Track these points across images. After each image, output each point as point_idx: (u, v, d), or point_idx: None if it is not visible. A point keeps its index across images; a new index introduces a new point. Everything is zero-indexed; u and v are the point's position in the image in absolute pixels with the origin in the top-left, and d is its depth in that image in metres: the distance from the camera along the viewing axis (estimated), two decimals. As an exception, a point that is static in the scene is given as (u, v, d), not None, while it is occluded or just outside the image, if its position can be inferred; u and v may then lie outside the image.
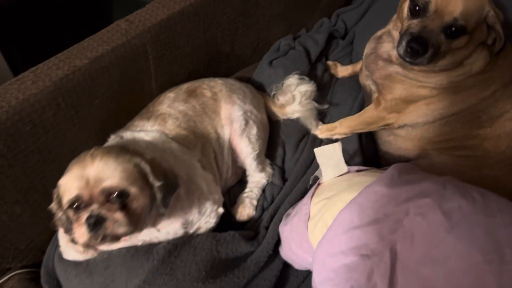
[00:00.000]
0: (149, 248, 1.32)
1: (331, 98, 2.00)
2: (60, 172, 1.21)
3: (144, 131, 1.49)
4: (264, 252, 1.41)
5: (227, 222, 1.57)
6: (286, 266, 1.47)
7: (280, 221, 1.48)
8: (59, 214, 1.22)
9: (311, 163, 1.73)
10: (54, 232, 1.51)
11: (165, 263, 1.28)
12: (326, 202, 1.24)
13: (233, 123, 1.63)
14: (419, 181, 1.15)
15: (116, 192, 1.16)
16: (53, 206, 1.23)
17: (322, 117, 1.92)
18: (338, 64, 2.10)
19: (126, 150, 1.25)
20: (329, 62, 2.11)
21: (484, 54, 1.49)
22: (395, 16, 1.60)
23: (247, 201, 1.62)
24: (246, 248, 1.39)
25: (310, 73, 1.99)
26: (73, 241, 1.21)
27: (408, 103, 1.59)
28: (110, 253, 1.34)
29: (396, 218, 1.06)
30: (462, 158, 1.55)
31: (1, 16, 2.07)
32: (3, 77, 1.84)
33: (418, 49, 1.38)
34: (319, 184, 1.37)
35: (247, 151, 1.64)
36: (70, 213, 1.17)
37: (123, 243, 1.34)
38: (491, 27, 1.43)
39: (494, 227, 0.99)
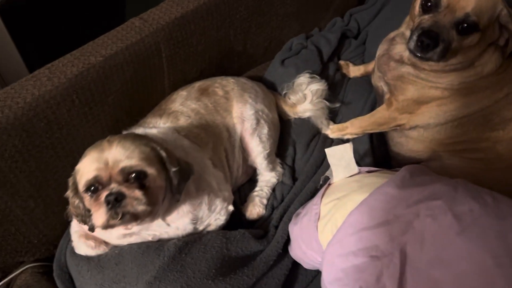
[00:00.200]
0: (160, 244, 1.33)
1: (342, 98, 1.99)
2: (73, 167, 1.23)
3: (157, 128, 1.50)
4: (274, 251, 1.41)
5: (237, 220, 1.58)
6: (295, 265, 1.47)
7: (289, 220, 1.48)
8: (75, 201, 1.22)
9: (322, 163, 1.73)
10: (66, 227, 1.53)
11: (175, 260, 1.29)
12: (336, 202, 1.24)
13: (244, 122, 1.63)
14: (430, 183, 1.15)
15: (134, 173, 1.17)
16: (69, 193, 1.24)
17: (333, 116, 1.92)
18: (350, 64, 2.10)
19: (142, 136, 1.28)
20: (341, 62, 2.11)
21: (496, 55, 1.47)
22: (408, 18, 1.60)
23: (257, 199, 1.63)
24: (256, 246, 1.40)
25: (322, 73, 1.99)
26: (90, 229, 1.23)
27: (420, 104, 1.58)
28: (121, 249, 1.35)
29: (407, 220, 1.06)
30: (473, 160, 1.55)
31: (17, 13, 2.09)
32: (19, 73, 1.86)
33: (428, 43, 1.36)
34: (329, 184, 1.37)
35: (258, 150, 1.65)
36: (87, 198, 1.18)
37: (135, 237, 1.36)
38: (503, 27, 1.41)
39: (506, 231, 0.99)
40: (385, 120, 1.68)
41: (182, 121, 1.54)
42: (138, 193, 1.15)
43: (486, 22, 1.36)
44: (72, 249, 1.42)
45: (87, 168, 1.17)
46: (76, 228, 1.42)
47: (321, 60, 2.03)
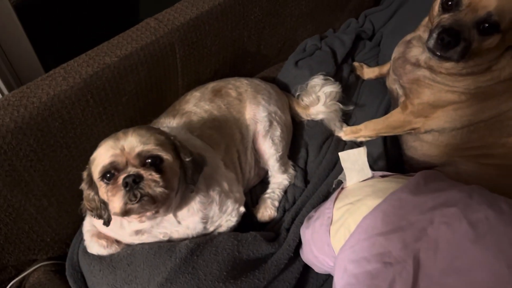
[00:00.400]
0: (171, 246, 1.33)
1: (356, 100, 1.98)
2: (85, 169, 1.25)
3: (170, 128, 1.51)
4: (285, 254, 1.41)
5: (248, 222, 1.58)
6: (306, 268, 1.47)
7: (301, 223, 1.48)
8: (90, 194, 1.23)
9: (334, 166, 1.72)
10: (79, 226, 1.54)
11: (187, 261, 1.29)
12: (349, 207, 1.23)
13: (257, 124, 1.63)
14: (445, 190, 1.13)
15: (151, 158, 1.17)
16: (83, 186, 1.24)
17: (347, 119, 1.91)
18: (365, 66, 2.08)
19: (155, 127, 1.30)
20: (355, 63, 2.10)
21: (515, 60, 1.45)
22: (425, 21, 1.58)
23: (268, 202, 1.62)
24: (267, 249, 1.40)
25: (336, 74, 1.98)
26: (105, 222, 1.24)
27: (435, 108, 1.56)
28: (133, 249, 1.36)
29: (421, 226, 1.05)
30: (489, 166, 1.53)
31: (33, 12, 2.11)
32: (35, 72, 1.87)
33: (449, 41, 1.33)
34: (342, 188, 1.36)
35: (270, 152, 1.64)
36: (103, 186, 1.18)
37: (146, 236, 1.36)
38: None
39: (522, 239, 0.98)
40: (400, 124, 1.66)
41: (195, 122, 1.54)
42: (155, 175, 1.15)
43: (507, 23, 1.33)
44: (85, 249, 1.43)
45: (103, 155, 1.17)
46: (88, 227, 1.43)
47: (335, 62, 2.01)
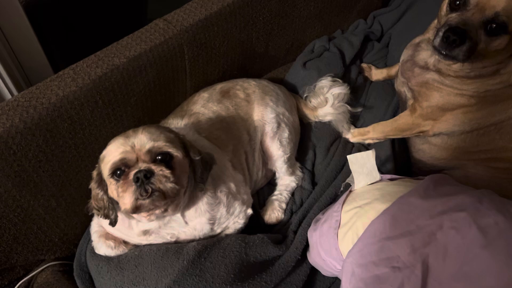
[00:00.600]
0: (179, 247, 1.34)
1: (364, 101, 1.97)
2: (94, 168, 1.25)
3: (178, 128, 1.51)
4: (292, 257, 1.41)
5: (255, 223, 1.58)
6: (313, 271, 1.47)
7: (308, 225, 1.47)
8: (99, 193, 1.23)
9: (342, 168, 1.71)
10: (86, 226, 1.55)
11: (194, 264, 1.29)
12: (357, 210, 1.23)
13: (265, 125, 1.63)
14: (455, 194, 1.13)
15: (161, 154, 1.18)
16: (92, 185, 1.25)
17: (355, 120, 1.90)
18: (373, 67, 2.07)
19: (165, 126, 1.31)
20: (364, 65, 2.09)
21: (524, 64, 1.44)
22: (434, 23, 1.57)
23: (276, 204, 1.62)
24: (274, 252, 1.40)
25: (344, 76, 1.98)
26: (111, 223, 1.24)
27: (444, 111, 1.55)
28: (140, 250, 1.36)
29: (430, 231, 1.05)
30: (499, 170, 1.52)
31: (42, 12, 2.12)
32: (44, 73, 1.88)
33: (455, 39, 1.32)
34: (350, 191, 1.35)
35: (278, 154, 1.64)
36: (112, 183, 1.18)
37: (154, 236, 1.37)
38: None
39: (532, 245, 0.97)
40: (408, 126, 1.65)
41: (203, 123, 1.54)
42: (166, 171, 1.15)
43: None
44: (92, 249, 1.43)
45: (114, 152, 1.18)
46: (96, 228, 1.44)
47: (343, 63, 2.01)
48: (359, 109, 1.91)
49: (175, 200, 1.23)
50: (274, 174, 1.73)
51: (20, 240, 1.44)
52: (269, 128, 1.63)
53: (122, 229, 1.37)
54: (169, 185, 1.15)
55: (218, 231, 1.45)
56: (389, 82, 2.03)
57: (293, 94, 1.90)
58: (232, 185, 1.45)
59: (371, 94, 2.00)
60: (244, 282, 1.31)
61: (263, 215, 1.61)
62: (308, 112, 1.85)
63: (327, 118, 1.84)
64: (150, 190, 1.13)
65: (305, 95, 1.88)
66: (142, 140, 1.17)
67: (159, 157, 1.18)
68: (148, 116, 1.60)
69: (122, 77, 1.42)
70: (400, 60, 1.71)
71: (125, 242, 1.42)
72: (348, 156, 1.33)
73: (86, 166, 1.47)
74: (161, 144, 1.18)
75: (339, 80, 1.86)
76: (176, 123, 1.54)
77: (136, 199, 1.14)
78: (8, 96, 1.73)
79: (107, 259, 1.39)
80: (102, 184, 1.22)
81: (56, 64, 1.94)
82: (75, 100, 1.33)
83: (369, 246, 1.10)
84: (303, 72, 1.96)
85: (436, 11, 1.51)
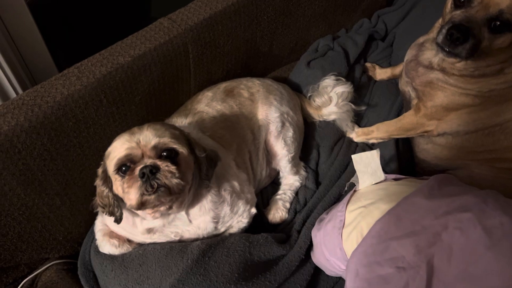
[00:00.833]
0: (183, 246, 1.34)
1: (368, 101, 1.97)
2: (99, 166, 1.25)
3: (182, 127, 1.51)
4: (296, 257, 1.40)
5: (259, 222, 1.58)
6: (317, 270, 1.46)
7: (312, 225, 1.47)
8: (104, 191, 1.23)
9: (346, 168, 1.71)
10: (91, 225, 1.55)
11: (199, 263, 1.29)
12: (362, 210, 1.22)
13: (269, 124, 1.63)
14: (460, 194, 1.12)
15: (167, 150, 1.18)
16: (98, 182, 1.25)
17: (359, 120, 1.90)
18: (377, 66, 2.07)
19: (170, 124, 1.31)
20: (368, 64, 2.09)
21: (529, 64, 1.44)
22: (438, 23, 1.56)
23: (280, 203, 1.62)
24: (278, 251, 1.40)
25: (348, 75, 1.97)
26: (116, 220, 1.24)
27: (449, 110, 1.55)
28: (145, 249, 1.36)
29: (435, 231, 1.04)
30: (503, 170, 1.51)
31: (47, 11, 2.12)
32: (49, 71, 1.88)
33: (458, 37, 1.31)
34: (355, 191, 1.35)
35: (282, 153, 1.64)
36: (118, 179, 1.18)
37: (158, 235, 1.37)
38: None
39: (537, 246, 0.96)
40: (413, 126, 1.65)
41: (207, 122, 1.54)
42: (172, 166, 1.16)
43: None
44: (96, 248, 1.43)
45: (119, 149, 1.18)
46: (100, 226, 1.44)
47: (347, 62, 2.01)
48: (363, 108, 1.90)
49: (180, 196, 1.23)
50: (278, 173, 1.73)
51: (25, 239, 1.45)
52: (274, 127, 1.63)
53: (126, 227, 1.37)
54: (175, 180, 1.15)
55: (222, 230, 1.45)
56: (393, 81, 2.03)
57: (297, 93, 1.90)
58: (236, 184, 1.45)
59: (375, 94, 1.99)
60: (248, 281, 1.31)
61: (267, 215, 1.61)
62: (312, 111, 1.85)
63: (331, 117, 1.84)
64: (155, 185, 1.14)
65: (309, 94, 1.87)
66: (148, 136, 1.17)
67: (165, 153, 1.18)
68: (152, 115, 1.60)
69: (127, 76, 1.42)
70: (404, 60, 1.71)
71: (129, 241, 1.42)
72: (352, 156, 1.33)
73: (90, 164, 1.47)
74: (167, 140, 1.18)
75: (343, 79, 1.86)
76: (180, 122, 1.54)
77: (142, 194, 1.14)
78: (13, 94, 1.73)
79: (111, 257, 1.39)
80: (107, 181, 1.23)
81: (60, 63, 1.94)
82: (80, 98, 1.33)
83: (373, 246, 1.10)
84: (307, 71, 1.96)
85: (440, 11, 1.50)
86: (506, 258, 0.95)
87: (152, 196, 1.15)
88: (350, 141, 1.83)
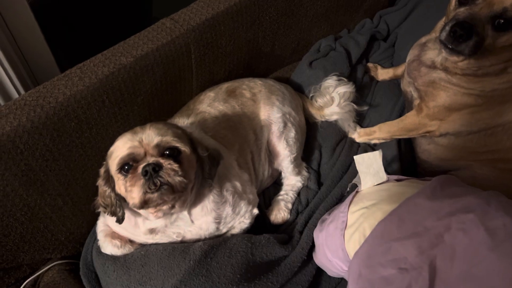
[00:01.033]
0: (185, 247, 1.34)
1: (370, 101, 1.97)
2: (101, 166, 1.25)
3: (184, 127, 1.51)
4: (298, 258, 1.40)
5: (260, 223, 1.58)
6: (319, 271, 1.47)
7: (314, 226, 1.47)
8: (106, 191, 1.23)
9: (348, 168, 1.71)
10: (93, 225, 1.55)
11: (201, 264, 1.29)
12: (364, 211, 1.22)
13: (271, 125, 1.63)
14: (462, 195, 1.12)
15: (169, 149, 1.18)
16: (100, 182, 1.25)
17: (361, 120, 1.90)
18: (379, 67, 2.07)
19: (172, 123, 1.31)
20: (369, 64, 2.08)
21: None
22: (440, 23, 1.56)
23: (282, 204, 1.62)
24: (280, 252, 1.40)
25: (350, 75, 1.97)
26: (118, 220, 1.24)
27: (451, 111, 1.55)
28: (147, 250, 1.36)
29: (437, 233, 1.04)
30: (506, 171, 1.51)
31: (49, 12, 2.12)
32: (51, 72, 1.88)
33: (461, 34, 1.31)
34: (357, 192, 1.35)
35: (284, 153, 1.64)
36: (120, 179, 1.18)
37: (160, 235, 1.37)
38: None
39: (540, 248, 0.96)
40: (415, 126, 1.65)
41: (209, 122, 1.54)
42: (174, 164, 1.16)
43: None
44: (98, 248, 1.44)
45: (121, 148, 1.18)
46: (102, 227, 1.44)
47: (349, 63, 2.00)
48: (365, 108, 1.90)
49: (182, 195, 1.23)
50: (280, 174, 1.73)
51: (27, 239, 1.45)
52: (276, 127, 1.62)
53: (128, 228, 1.37)
54: (178, 178, 1.15)
55: (224, 230, 1.45)
56: (395, 82, 2.02)
57: (299, 93, 1.90)
58: (238, 184, 1.45)
59: (377, 94, 1.99)
60: (250, 282, 1.31)
61: (269, 215, 1.61)
62: (314, 112, 1.85)
63: (333, 118, 1.83)
64: (158, 183, 1.14)
65: (311, 95, 1.87)
66: (150, 135, 1.18)
67: (167, 152, 1.18)
68: (155, 115, 1.60)
69: (129, 76, 1.42)
70: (406, 60, 1.71)
71: (131, 242, 1.42)
72: (355, 157, 1.33)
73: (92, 165, 1.47)
74: (169, 139, 1.19)
75: (345, 79, 1.85)
76: (182, 122, 1.54)
77: (145, 192, 1.14)
78: (15, 95, 1.73)
79: (113, 258, 1.40)
80: (109, 181, 1.23)
81: (61, 64, 1.94)
82: (82, 99, 1.33)
83: (376, 247, 1.10)
84: (309, 71, 1.95)
85: (442, 11, 1.50)
86: (509, 259, 0.95)
87: (155, 194, 1.15)
88: (352, 141, 1.83)
